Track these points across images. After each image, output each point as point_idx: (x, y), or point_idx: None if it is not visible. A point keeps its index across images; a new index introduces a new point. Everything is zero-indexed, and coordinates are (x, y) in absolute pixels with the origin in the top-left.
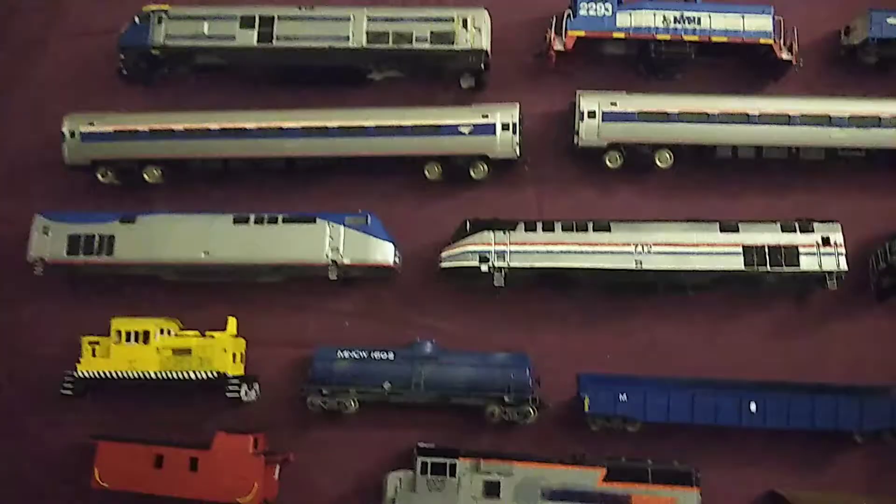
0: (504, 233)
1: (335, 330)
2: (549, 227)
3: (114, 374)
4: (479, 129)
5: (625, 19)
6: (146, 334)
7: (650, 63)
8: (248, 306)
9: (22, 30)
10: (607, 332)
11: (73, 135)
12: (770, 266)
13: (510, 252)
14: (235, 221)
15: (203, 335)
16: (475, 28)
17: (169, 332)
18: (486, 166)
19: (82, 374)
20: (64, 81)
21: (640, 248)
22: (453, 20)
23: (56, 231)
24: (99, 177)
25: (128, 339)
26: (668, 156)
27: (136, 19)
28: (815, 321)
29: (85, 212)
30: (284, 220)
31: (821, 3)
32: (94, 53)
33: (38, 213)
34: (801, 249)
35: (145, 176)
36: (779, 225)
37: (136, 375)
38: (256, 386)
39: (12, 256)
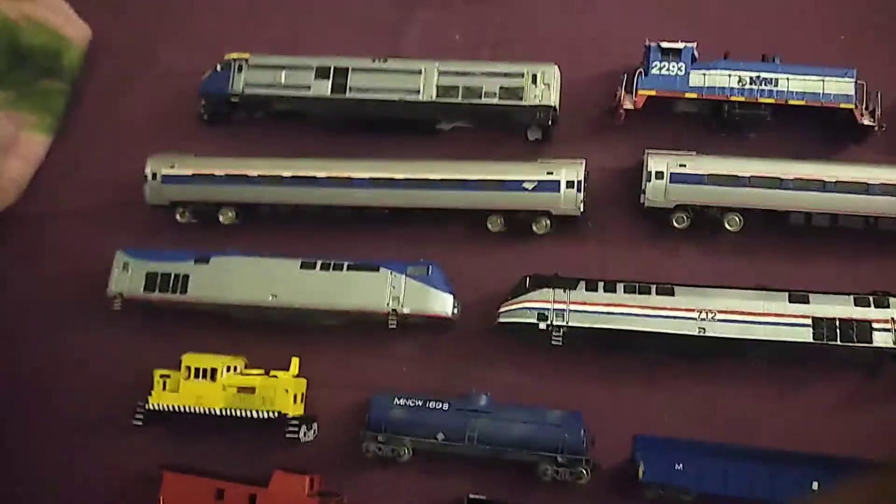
0: (564, 291)
1: (394, 375)
2: (610, 288)
3: (182, 408)
4: (543, 186)
5: (698, 79)
6: (213, 371)
7: (723, 122)
8: (311, 347)
9: (112, 67)
10: (666, 392)
11: (154, 176)
12: (840, 340)
13: (569, 311)
14: (303, 266)
15: (267, 374)
16: (544, 84)
17: (236, 369)
18: (549, 222)
19: (153, 406)
20: (148, 121)
21: (704, 315)
22: (523, 76)
23: (135, 268)
24: (177, 217)
25: (196, 376)
26: (737, 219)
27: (218, 66)
28: (888, 396)
29: (163, 250)
30: (349, 268)
31: None
32: (179, 95)
33: (118, 251)
34: (874, 325)
35: (220, 217)
36: (852, 298)
37: (202, 411)
38: (315, 426)
39: (93, 290)
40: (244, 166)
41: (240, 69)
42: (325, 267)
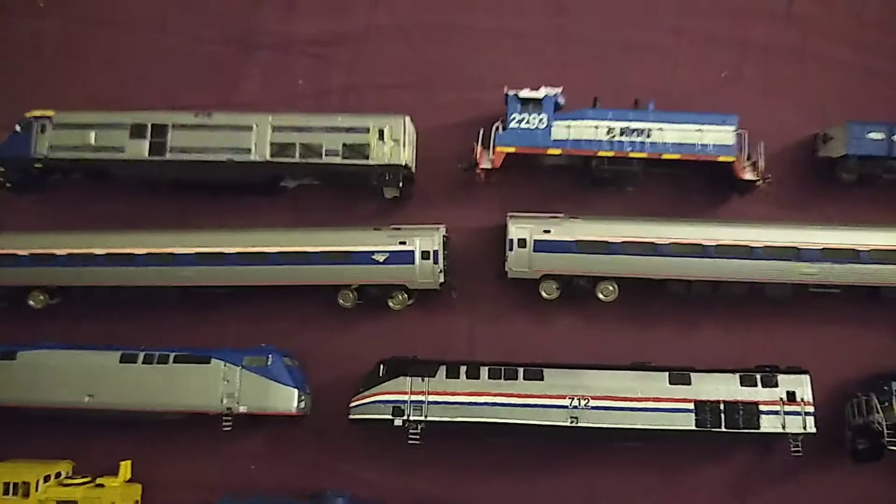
0: (422, 379)
1: (241, 473)
2: (473, 374)
3: None
4: (396, 257)
5: (562, 132)
6: (26, 486)
7: (593, 178)
8: (148, 445)
9: None
10: (543, 478)
11: None
12: (725, 426)
13: (428, 403)
14: (122, 360)
15: (94, 481)
16: (393, 140)
17: (59, 476)
18: (405, 296)
19: None
20: None
21: (576, 402)
22: (368, 130)
23: None
24: None
25: (6, 492)
26: (611, 288)
27: (18, 127)
28: (781, 476)
29: None
30: (176, 359)
31: (792, 108)
32: None
33: None
34: (762, 408)
35: (30, 301)
36: (738, 377)
37: None
38: None
39: None
40: (53, 244)
41: (43, 129)
42: (148, 360)
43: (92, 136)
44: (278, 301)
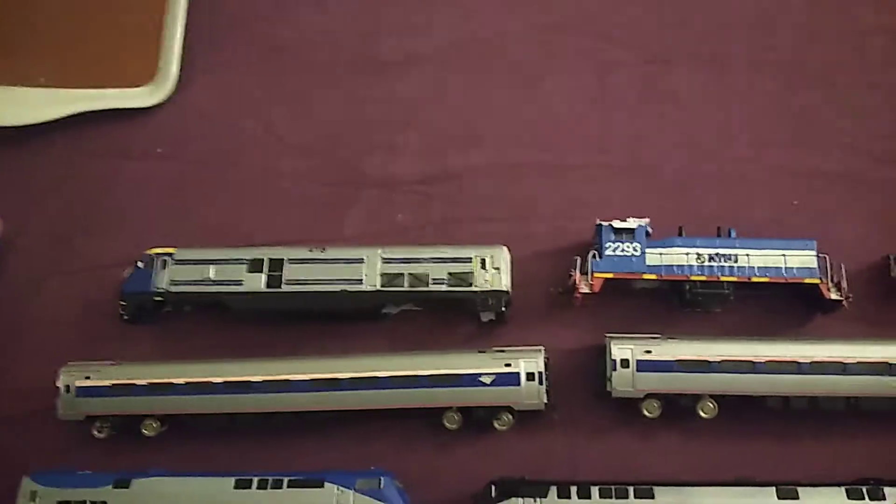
0: (535, 500)
1: None
2: (584, 493)
3: None
4: (502, 379)
5: (655, 258)
6: None
7: (685, 301)
8: None
9: (23, 265)
10: None
11: (68, 389)
12: None
13: None
14: (237, 486)
15: None
16: (494, 268)
17: None
18: (510, 416)
19: None
20: (62, 323)
21: None
22: (471, 260)
23: (44, 497)
24: (94, 432)
25: None
26: (711, 405)
27: (140, 263)
28: None
29: (77, 472)
30: (290, 484)
31: (864, 230)
32: (97, 293)
33: (25, 477)
34: None
35: (143, 430)
36: (844, 490)
37: None
38: None
39: None
40: (169, 373)
41: (164, 265)
42: (262, 485)
43: (211, 271)
44: (380, 423)
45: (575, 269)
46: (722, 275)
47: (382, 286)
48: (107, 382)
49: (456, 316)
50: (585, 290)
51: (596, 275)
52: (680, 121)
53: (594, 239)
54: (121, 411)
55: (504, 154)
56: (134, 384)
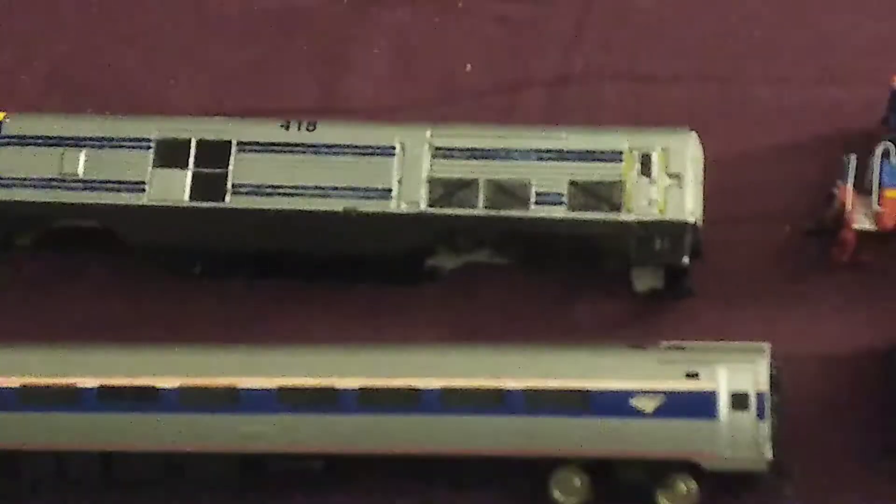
0: None
1: None
2: None
3: None
4: (677, 404)
5: None
6: None
7: None
8: None
9: None
10: None
11: None
12: None
13: None
14: None
15: None
16: (668, 175)
17: None
18: (692, 485)
19: None
20: None
21: None
22: (620, 157)
23: None
24: None
25: None
26: None
27: None
28: None
29: None
30: None
31: None
32: None
33: None
34: None
35: None
36: None
37: None
38: None
39: None
40: None
41: None
42: None
43: (80, 162)
44: (407, 482)
45: (844, 181)
46: None
47: (431, 205)
48: None
49: (581, 277)
50: (863, 225)
51: (889, 193)
52: None
53: (887, 121)
54: None
55: None
56: None
